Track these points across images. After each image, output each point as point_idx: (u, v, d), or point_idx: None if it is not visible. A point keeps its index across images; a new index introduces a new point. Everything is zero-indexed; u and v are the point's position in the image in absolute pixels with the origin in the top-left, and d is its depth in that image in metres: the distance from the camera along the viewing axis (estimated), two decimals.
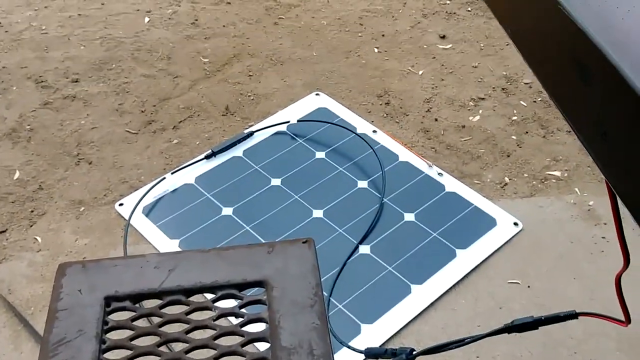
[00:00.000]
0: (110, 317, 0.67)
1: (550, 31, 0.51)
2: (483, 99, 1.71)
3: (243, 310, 0.67)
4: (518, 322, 0.90)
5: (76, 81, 1.72)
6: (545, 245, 1.36)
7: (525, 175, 1.52)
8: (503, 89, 1.74)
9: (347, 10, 1.99)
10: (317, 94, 1.70)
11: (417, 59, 1.83)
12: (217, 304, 0.68)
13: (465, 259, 1.31)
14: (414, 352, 0.96)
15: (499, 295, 1.27)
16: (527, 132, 1.62)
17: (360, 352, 1.09)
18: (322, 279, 1.25)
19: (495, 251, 1.34)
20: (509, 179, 1.51)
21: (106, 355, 0.64)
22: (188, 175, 1.48)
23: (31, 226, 1.38)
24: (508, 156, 1.56)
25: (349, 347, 1.13)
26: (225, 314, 0.67)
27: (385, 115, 1.66)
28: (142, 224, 1.38)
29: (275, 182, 1.47)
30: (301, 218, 1.39)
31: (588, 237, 1.38)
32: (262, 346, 0.65)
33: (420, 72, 1.79)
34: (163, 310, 0.68)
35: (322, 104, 1.66)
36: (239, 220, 1.38)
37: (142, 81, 1.73)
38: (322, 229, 1.37)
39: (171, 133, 1.59)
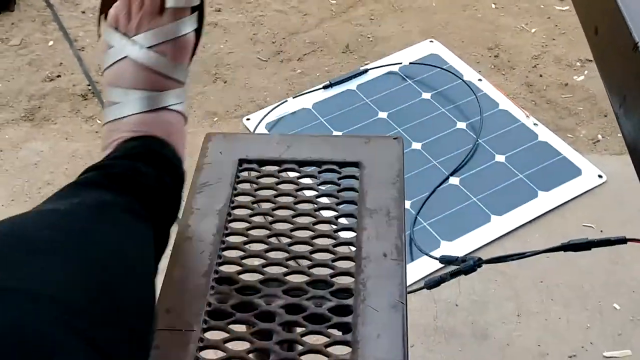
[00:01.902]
0: (241, 173, 0.88)
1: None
2: (591, 60, 1.78)
3: (340, 181, 0.86)
4: (573, 242, 1.03)
5: (219, 10, 1.96)
6: (626, 199, 1.45)
7: (619, 135, 1.59)
8: None
9: None
10: (431, 41, 1.84)
11: (532, 17, 1.92)
12: (322, 175, 0.88)
13: (546, 200, 1.43)
14: (480, 260, 1.12)
15: (571, 234, 1.38)
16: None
17: (436, 258, 1.26)
18: (412, 200, 1.42)
19: (576, 197, 1.45)
20: (602, 137, 1.59)
21: (236, 198, 0.85)
22: (307, 101, 1.69)
23: None
24: (605, 116, 1.64)
25: (427, 254, 1.30)
26: (326, 181, 0.87)
27: (492, 67, 1.78)
28: None
29: (382, 115, 1.64)
30: None
31: None
32: (352, 208, 0.84)
33: (533, 30, 1.88)
34: (280, 174, 0.88)
35: (434, 51, 1.80)
36: None
37: (275, 15, 1.94)
38: (419, 159, 1.53)
39: (296, 64, 1.80)
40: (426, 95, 1.68)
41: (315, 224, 0.82)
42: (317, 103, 1.68)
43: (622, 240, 1.00)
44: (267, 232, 0.81)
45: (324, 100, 1.69)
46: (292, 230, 0.81)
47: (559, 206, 1.43)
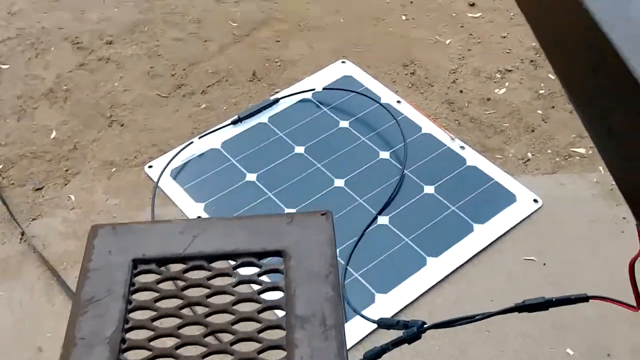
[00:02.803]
0: (136, 278, 0.72)
1: (565, 17, 0.52)
2: (510, 71, 1.71)
3: (261, 278, 0.71)
4: (529, 302, 0.92)
5: (110, 43, 1.75)
6: (564, 224, 1.38)
7: (549, 151, 1.53)
8: (531, 61, 1.73)
9: None
10: (343, 62, 1.71)
11: (445, 27, 1.83)
12: (237, 270, 0.72)
13: (483, 234, 1.34)
14: (425, 326, 1.00)
15: (514, 271, 1.29)
16: (553, 107, 1.62)
17: (373, 321, 1.12)
18: (340, 248, 1.29)
19: (513, 227, 1.36)
20: (532, 155, 1.52)
21: (131, 315, 0.69)
22: (215, 140, 1.52)
23: (66, 185, 1.44)
24: (532, 131, 1.57)
25: (362, 316, 1.17)
26: (244, 281, 0.71)
27: (410, 85, 1.67)
28: (170, 187, 1.43)
29: (299, 149, 1.50)
30: (322, 187, 1.42)
31: (609, 217, 1.39)
32: (278, 313, 0.69)
33: (448, 42, 1.78)
34: (186, 275, 0.72)
35: (347, 72, 1.68)
36: (262, 187, 1.42)
37: (173, 45, 1.76)
38: (343, 198, 1.40)
39: (200, 97, 1.63)
40: (344, 124, 1.55)
41: (233, 343, 0.66)
42: (227, 141, 1.52)
43: (584, 299, 0.90)
44: None
45: (233, 137, 1.53)
46: (204, 356, 0.65)
47: (497, 239, 1.33)
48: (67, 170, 1.47)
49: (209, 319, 0.68)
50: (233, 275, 0.72)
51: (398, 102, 1.60)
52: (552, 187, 1.45)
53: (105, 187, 1.44)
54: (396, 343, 1.00)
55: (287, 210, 1.37)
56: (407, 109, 1.59)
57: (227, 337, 0.67)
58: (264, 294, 0.70)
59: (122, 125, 1.57)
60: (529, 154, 1.52)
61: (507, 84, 1.68)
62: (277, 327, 0.67)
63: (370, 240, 1.33)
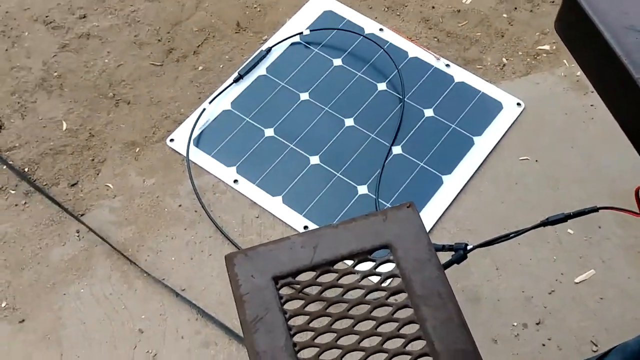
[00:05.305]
0: (281, 291, 0.89)
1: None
2: None
3: (378, 269, 0.90)
4: (552, 219, 1.15)
5: (84, 17, 1.75)
6: (545, 121, 1.59)
7: (520, 53, 1.70)
8: None
9: None
10: None
11: None
12: (357, 267, 0.90)
13: (482, 145, 1.54)
14: (469, 247, 1.22)
15: (514, 172, 1.52)
16: (515, 9, 1.78)
17: None
18: (368, 183, 1.47)
19: (506, 133, 1.57)
20: (507, 59, 1.69)
21: (290, 322, 0.87)
22: (224, 101, 1.62)
23: (98, 174, 1.53)
24: (502, 36, 1.73)
25: None
26: (366, 275, 0.90)
27: (386, 9, 1.77)
28: (198, 157, 1.54)
29: (304, 96, 1.62)
30: (336, 129, 1.57)
31: (579, 107, 1.62)
32: (401, 297, 0.88)
33: None
34: (318, 279, 0.90)
35: (326, 7, 1.76)
36: (282, 140, 1.56)
37: (149, 7, 1.77)
38: (357, 136, 1.56)
39: (193, 59, 1.69)
40: (337, 62, 1.67)
41: (377, 326, 0.86)
42: (235, 101, 1.62)
43: (594, 210, 1.14)
44: (339, 352, 0.85)
45: (240, 95, 1.63)
46: (359, 341, 0.85)
47: (494, 147, 1.55)
48: (93, 160, 1.56)
49: (351, 311, 0.88)
50: (355, 273, 0.90)
51: (380, 30, 1.71)
52: (529, 88, 1.64)
53: (136, 169, 1.54)
54: (446, 265, 1.23)
55: (312, 159, 1.52)
56: (390, 36, 1.71)
57: (369, 324, 0.87)
58: (385, 282, 0.89)
59: (128, 103, 1.63)
60: (504, 59, 1.70)
61: None
62: (405, 306, 0.87)
63: (391, 170, 1.51)
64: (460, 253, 1.24)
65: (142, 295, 1.38)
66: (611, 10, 0.66)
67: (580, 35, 0.69)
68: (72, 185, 1.52)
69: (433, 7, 1.77)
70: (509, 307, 1.35)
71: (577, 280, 1.38)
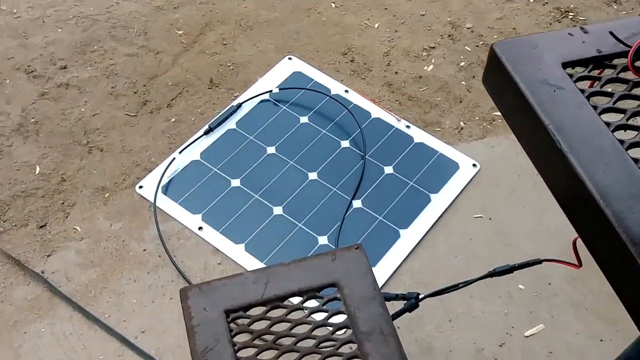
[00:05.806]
0: (231, 325, 0.93)
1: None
2: (434, 47, 1.96)
3: (325, 306, 0.95)
4: (499, 270, 1.22)
5: (64, 67, 1.83)
6: (499, 181, 1.68)
7: (477, 118, 1.81)
8: (449, 35, 1.99)
9: None
10: (289, 58, 1.89)
11: (371, 11, 2.03)
12: (306, 304, 0.95)
13: (439, 202, 1.62)
14: (420, 296, 1.28)
15: (468, 229, 1.60)
16: (473, 77, 1.90)
17: None
18: (328, 234, 1.53)
19: (461, 191, 1.65)
20: (464, 123, 1.80)
21: (239, 354, 0.91)
22: (193, 152, 1.69)
23: (67, 217, 1.57)
24: (460, 102, 1.84)
25: None
26: (313, 311, 0.95)
27: (352, 72, 1.88)
28: (164, 203, 1.60)
29: (271, 150, 1.70)
30: (299, 181, 1.64)
31: (531, 169, 1.70)
32: (346, 333, 0.93)
33: (376, 25, 2.00)
34: (268, 314, 0.94)
35: (296, 68, 1.86)
36: (247, 190, 1.62)
37: (127, 61, 1.86)
38: (319, 189, 1.63)
39: (167, 112, 1.77)
40: (304, 119, 1.76)
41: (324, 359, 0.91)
42: (205, 152, 1.69)
43: (538, 262, 1.21)
44: None
45: (209, 147, 1.70)
46: None
47: (450, 204, 1.62)
48: (63, 203, 1.60)
49: (298, 345, 0.92)
50: (304, 309, 0.95)
51: (346, 91, 1.82)
52: (484, 151, 1.74)
53: (104, 213, 1.59)
54: (399, 313, 1.29)
55: (276, 210, 1.58)
56: (354, 97, 1.81)
57: (314, 358, 0.91)
58: (331, 319, 0.94)
59: (101, 150, 1.69)
60: (462, 123, 1.80)
61: (433, 60, 1.93)
62: (350, 342, 0.92)
63: (351, 222, 1.58)
64: (412, 302, 1.30)
65: (101, 335, 1.40)
66: (528, 67, 0.76)
67: (502, 87, 0.78)
68: (41, 227, 1.56)
69: (396, 73, 1.89)
70: (461, 358, 1.40)
71: (527, 334, 1.43)
